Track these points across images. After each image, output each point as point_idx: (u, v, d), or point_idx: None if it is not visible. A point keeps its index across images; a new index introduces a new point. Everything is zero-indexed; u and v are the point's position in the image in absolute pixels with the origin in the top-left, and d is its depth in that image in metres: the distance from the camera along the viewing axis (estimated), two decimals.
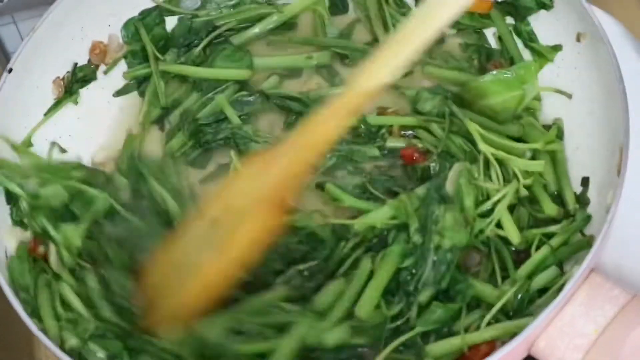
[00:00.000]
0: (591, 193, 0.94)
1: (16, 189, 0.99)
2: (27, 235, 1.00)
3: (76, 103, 1.08)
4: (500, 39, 1.07)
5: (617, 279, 0.84)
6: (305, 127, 0.89)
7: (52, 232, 0.98)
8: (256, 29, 1.13)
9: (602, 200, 0.88)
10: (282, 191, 0.91)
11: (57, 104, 1.07)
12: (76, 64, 1.08)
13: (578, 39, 0.98)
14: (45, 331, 0.91)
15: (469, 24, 1.08)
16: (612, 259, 0.93)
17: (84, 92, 1.09)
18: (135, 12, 1.11)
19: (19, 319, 0.88)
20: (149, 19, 1.11)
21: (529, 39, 1.04)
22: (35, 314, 0.92)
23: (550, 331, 0.82)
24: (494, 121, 0.99)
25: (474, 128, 0.96)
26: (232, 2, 1.13)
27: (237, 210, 0.91)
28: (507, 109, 0.98)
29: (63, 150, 1.06)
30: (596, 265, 0.84)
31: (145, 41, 1.10)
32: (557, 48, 1.01)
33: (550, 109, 1.02)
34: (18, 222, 0.99)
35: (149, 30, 1.11)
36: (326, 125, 0.88)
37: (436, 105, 1.02)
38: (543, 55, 1.02)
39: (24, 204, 0.99)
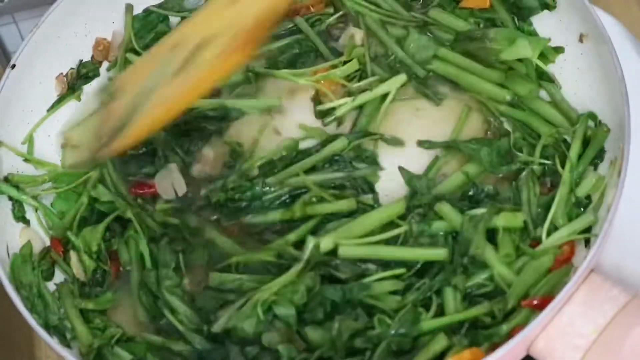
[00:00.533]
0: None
1: (32, 203, 1.00)
2: (35, 234, 1.01)
3: (79, 99, 1.09)
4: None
5: (617, 279, 0.84)
6: None
7: (73, 238, 1.00)
8: None
9: (603, 200, 0.88)
10: (256, 28, 0.89)
11: (60, 100, 1.07)
12: (81, 60, 1.09)
13: (581, 40, 0.98)
14: (77, 337, 0.93)
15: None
16: (612, 259, 0.92)
17: (87, 89, 1.09)
18: (139, 10, 1.11)
19: (20, 318, 0.89)
20: (153, 16, 1.12)
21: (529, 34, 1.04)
22: (40, 313, 0.94)
23: (549, 331, 0.82)
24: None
25: None
26: None
27: (204, 37, 0.89)
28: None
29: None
30: (596, 265, 0.84)
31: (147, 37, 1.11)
32: (558, 50, 1.00)
33: None
34: (20, 217, 1.00)
35: (152, 27, 1.11)
36: None
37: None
38: (545, 55, 1.01)
39: (40, 215, 1.01)
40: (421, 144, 1.00)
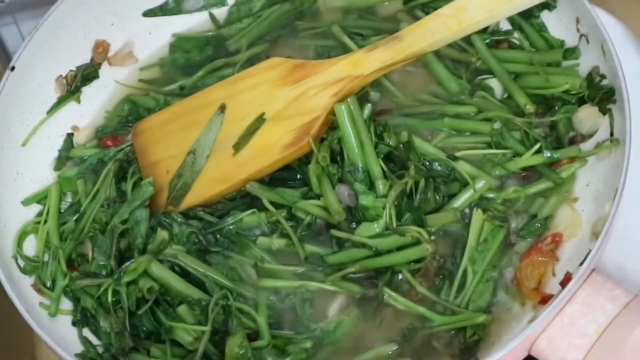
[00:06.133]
0: (592, 191, 0.94)
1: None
2: None
3: (79, 101, 1.08)
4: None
5: (618, 279, 0.84)
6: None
7: None
8: None
9: (604, 200, 0.88)
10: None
11: (60, 102, 1.07)
12: (80, 63, 1.08)
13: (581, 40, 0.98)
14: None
15: None
16: (614, 259, 0.93)
17: (86, 90, 1.09)
18: (138, 12, 1.12)
19: (21, 320, 0.89)
20: None
21: (539, 30, 1.03)
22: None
23: (550, 331, 0.82)
24: None
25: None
26: None
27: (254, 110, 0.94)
28: None
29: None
30: (597, 265, 0.84)
31: None
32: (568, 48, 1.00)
33: None
34: None
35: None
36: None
37: None
38: (552, 46, 1.01)
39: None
40: None
